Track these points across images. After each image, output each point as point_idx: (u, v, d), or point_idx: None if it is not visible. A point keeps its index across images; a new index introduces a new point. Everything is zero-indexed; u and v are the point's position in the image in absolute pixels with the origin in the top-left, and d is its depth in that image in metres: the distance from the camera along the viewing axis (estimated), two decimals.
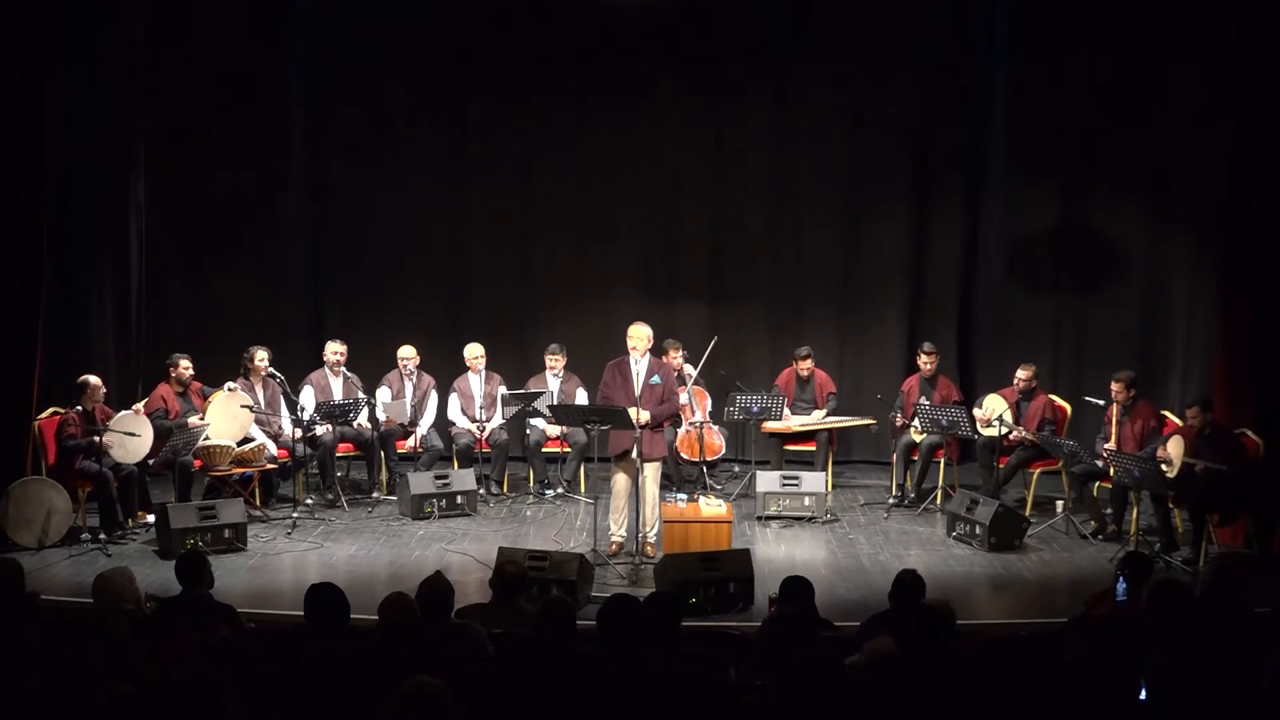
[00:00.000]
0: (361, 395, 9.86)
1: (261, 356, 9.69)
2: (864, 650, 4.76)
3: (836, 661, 4.59)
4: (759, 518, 9.44)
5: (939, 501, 9.75)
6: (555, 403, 9.86)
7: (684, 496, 8.74)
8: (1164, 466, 8.50)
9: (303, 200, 11.44)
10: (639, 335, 8.32)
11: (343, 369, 10.05)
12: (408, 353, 10.26)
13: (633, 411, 8.06)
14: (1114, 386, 9.11)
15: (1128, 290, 11.04)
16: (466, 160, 11.50)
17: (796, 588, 5.58)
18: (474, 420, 10.12)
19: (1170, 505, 8.65)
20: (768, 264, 11.58)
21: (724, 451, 10.42)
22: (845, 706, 4.08)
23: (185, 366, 9.46)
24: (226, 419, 9.34)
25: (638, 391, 8.23)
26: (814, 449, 10.35)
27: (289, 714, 4.33)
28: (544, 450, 10.31)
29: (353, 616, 5.23)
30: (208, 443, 9.11)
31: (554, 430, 10.16)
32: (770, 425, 10.18)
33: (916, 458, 10.00)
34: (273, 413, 9.73)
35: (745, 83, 11.38)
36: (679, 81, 11.35)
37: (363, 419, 9.98)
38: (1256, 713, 4.22)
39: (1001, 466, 9.64)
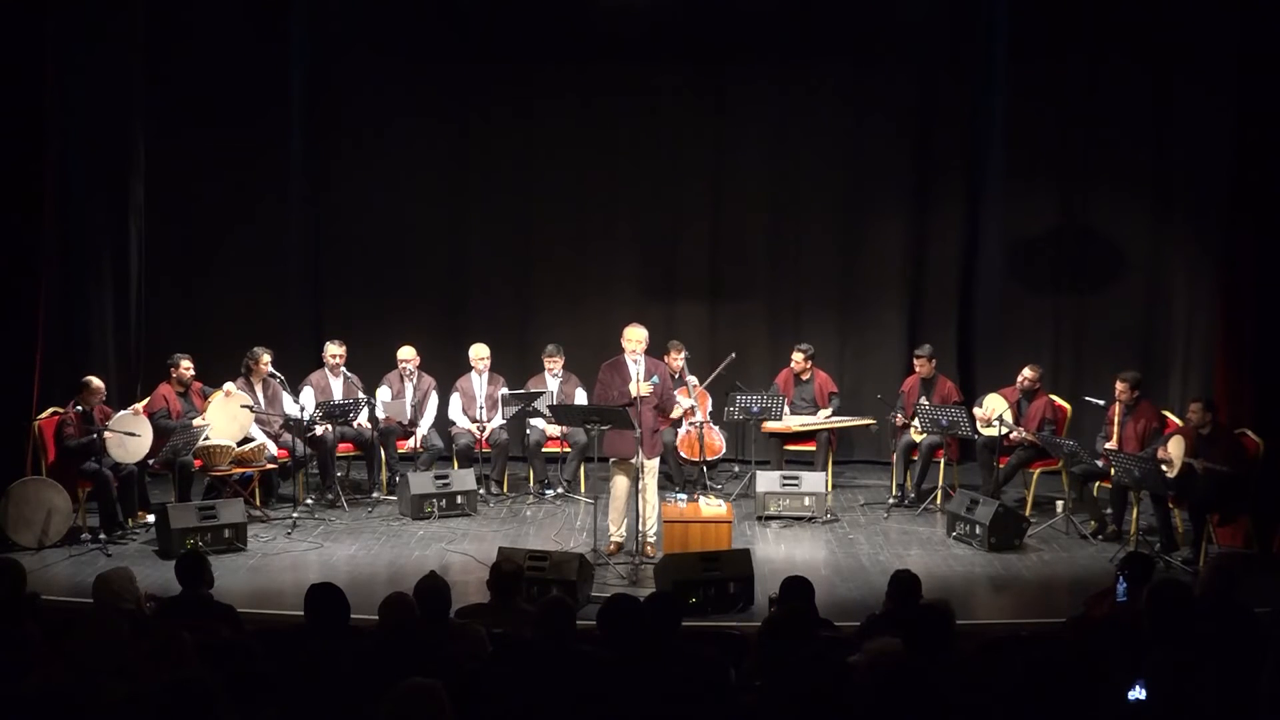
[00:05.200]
0: (362, 395, 9.87)
1: (266, 359, 9.69)
2: (864, 650, 4.77)
3: (837, 661, 4.61)
4: (759, 518, 9.44)
5: (939, 501, 9.75)
6: (555, 403, 9.86)
7: (684, 496, 8.74)
8: (1164, 466, 8.50)
9: (302, 200, 11.44)
10: (636, 337, 8.30)
11: (343, 369, 10.06)
12: (407, 354, 10.26)
13: (635, 408, 8.06)
14: (1119, 386, 9.12)
15: (1128, 290, 11.05)
16: (466, 160, 11.50)
17: (796, 588, 5.58)
18: (474, 420, 10.12)
19: (1170, 505, 8.64)
20: (768, 264, 11.58)
21: (724, 451, 10.43)
22: (845, 706, 4.08)
23: (186, 367, 9.47)
24: (226, 419, 9.35)
25: (639, 391, 8.23)
26: (814, 449, 10.36)
27: (289, 714, 4.34)
28: (544, 450, 10.31)
29: (353, 616, 5.23)
30: (208, 443, 9.11)
31: (554, 430, 10.16)
32: (770, 425, 10.18)
33: (916, 458, 10.00)
34: (273, 413, 9.74)
35: (745, 83, 11.38)
36: (679, 82, 11.35)
37: (363, 419, 9.98)
38: (1257, 712, 4.23)
39: (1001, 466, 9.64)
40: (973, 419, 9.57)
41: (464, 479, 9.67)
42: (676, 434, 10.13)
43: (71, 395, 8.86)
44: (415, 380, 10.29)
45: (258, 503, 9.48)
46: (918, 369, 10.21)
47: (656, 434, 8.44)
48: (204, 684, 3.79)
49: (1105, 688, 4.10)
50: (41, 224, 8.98)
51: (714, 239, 11.56)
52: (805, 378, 10.52)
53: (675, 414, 9.73)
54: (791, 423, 10.23)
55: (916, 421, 9.81)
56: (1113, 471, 8.77)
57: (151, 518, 8.87)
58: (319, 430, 9.69)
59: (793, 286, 11.56)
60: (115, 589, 5.38)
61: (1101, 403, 9.38)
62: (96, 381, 8.89)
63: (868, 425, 10.49)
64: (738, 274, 11.59)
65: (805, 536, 9.15)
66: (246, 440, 9.44)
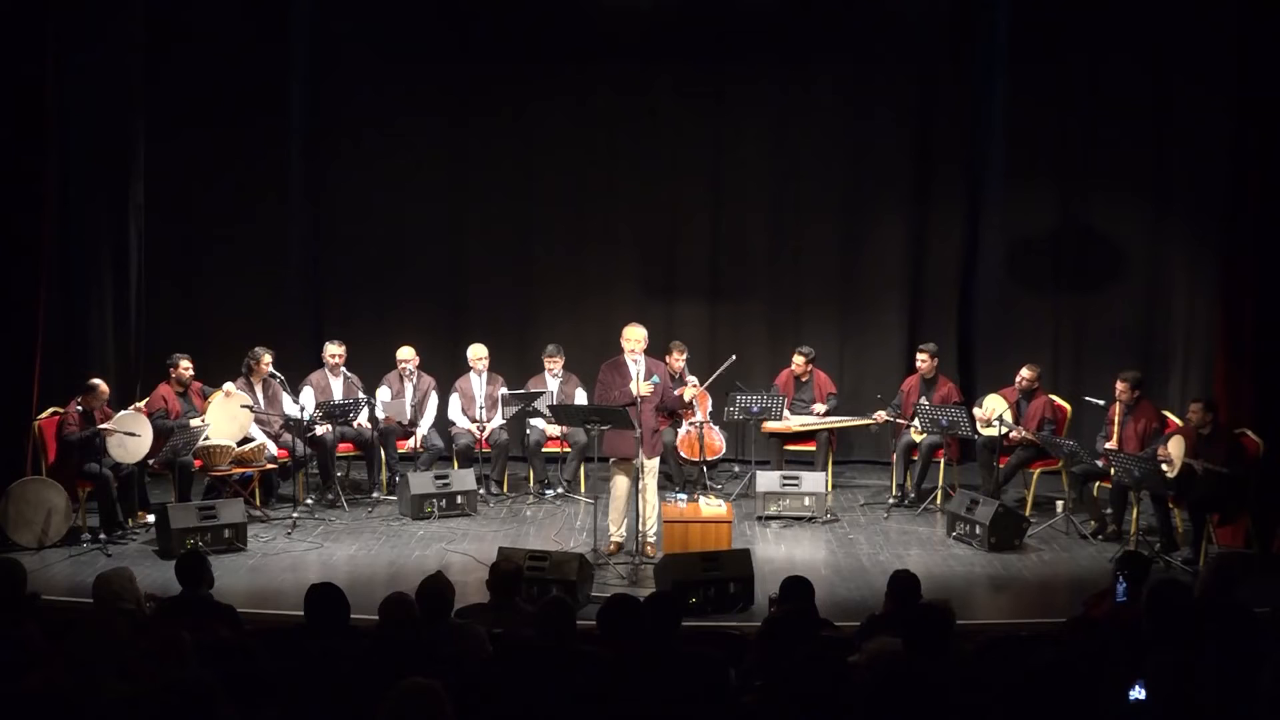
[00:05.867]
0: (362, 395, 9.87)
1: (267, 359, 9.69)
2: (864, 650, 4.77)
3: (837, 661, 4.60)
4: (759, 518, 9.44)
5: (939, 501, 9.75)
6: (555, 403, 9.85)
7: (684, 496, 8.74)
8: (1164, 466, 8.50)
9: (302, 200, 11.44)
10: (635, 337, 8.30)
11: (342, 369, 10.06)
12: (406, 354, 10.26)
13: (635, 408, 8.06)
14: (1119, 385, 9.12)
15: (1128, 290, 11.05)
16: (466, 160, 11.49)
17: (796, 588, 5.58)
18: (474, 420, 10.12)
19: (1170, 505, 8.65)
20: (768, 264, 11.58)
21: (724, 451, 10.42)
22: (845, 706, 4.08)
23: (185, 367, 9.47)
24: (226, 419, 9.35)
25: (639, 390, 8.22)
26: (814, 449, 10.36)
27: (289, 714, 4.34)
28: (544, 450, 10.31)
29: (353, 616, 5.23)
30: (208, 443, 9.11)
31: (554, 430, 10.16)
32: (770, 425, 10.18)
33: (916, 458, 9.99)
34: (273, 413, 9.74)
35: (745, 83, 11.38)
36: (679, 81, 11.35)
37: (363, 419, 9.98)
38: (1256, 713, 4.22)
39: (1001, 466, 9.64)
40: (973, 419, 9.57)
41: (464, 479, 9.67)
42: (676, 434, 10.13)
43: (72, 395, 8.86)
44: (415, 380, 10.29)
45: (258, 503, 9.48)
46: (920, 366, 10.20)
47: (657, 434, 8.44)
48: (204, 684, 3.78)
49: (1105, 688, 4.10)
50: (41, 224, 8.98)
51: (714, 239, 11.56)
52: (805, 379, 10.52)
53: (689, 396, 9.65)
54: (792, 422, 10.23)
55: (916, 421, 9.81)
56: (1113, 471, 8.77)
57: (151, 518, 8.87)
58: (319, 430, 9.69)
59: (793, 286, 11.56)
60: (115, 589, 5.38)
61: (1101, 403, 9.38)
62: (104, 387, 8.90)
63: (868, 425, 10.49)
64: (738, 274, 11.59)
65: (805, 536, 9.15)
66: (246, 440, 9.44)
